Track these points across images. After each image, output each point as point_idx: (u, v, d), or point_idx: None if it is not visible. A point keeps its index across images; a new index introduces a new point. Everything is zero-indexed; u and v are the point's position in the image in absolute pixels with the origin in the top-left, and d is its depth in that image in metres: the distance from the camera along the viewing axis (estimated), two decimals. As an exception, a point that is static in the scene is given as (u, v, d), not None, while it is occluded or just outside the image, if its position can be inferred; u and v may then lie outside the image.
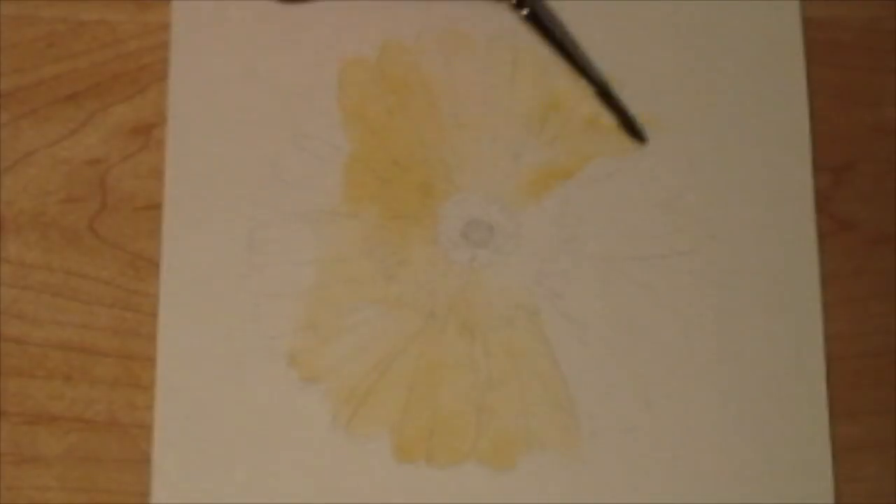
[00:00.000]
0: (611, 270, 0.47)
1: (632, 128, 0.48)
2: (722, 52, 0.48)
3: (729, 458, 0.45)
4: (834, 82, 0.48)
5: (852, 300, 0.47)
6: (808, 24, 0.49)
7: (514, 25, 0.48)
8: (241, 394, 0.45)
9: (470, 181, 0.47)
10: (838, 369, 0.46)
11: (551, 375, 0.46)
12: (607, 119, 0.48)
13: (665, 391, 0.46)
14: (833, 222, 0.47)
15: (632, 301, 0.46)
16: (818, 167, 0.48)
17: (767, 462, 0.45)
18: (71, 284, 0.46)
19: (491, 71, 0.48)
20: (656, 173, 0.47)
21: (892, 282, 0.47)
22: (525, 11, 0.47)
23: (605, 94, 0.48)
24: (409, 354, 0.46)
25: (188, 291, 0.46)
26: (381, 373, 0.46)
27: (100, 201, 0.47)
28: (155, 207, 0.47)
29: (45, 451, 0.45)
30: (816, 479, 0.45)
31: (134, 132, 0.47)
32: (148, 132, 0.48)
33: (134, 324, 0.46)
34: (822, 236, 0.47)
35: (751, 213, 0.47)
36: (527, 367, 0.46)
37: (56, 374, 0.46)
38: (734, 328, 0.46)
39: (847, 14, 0.49)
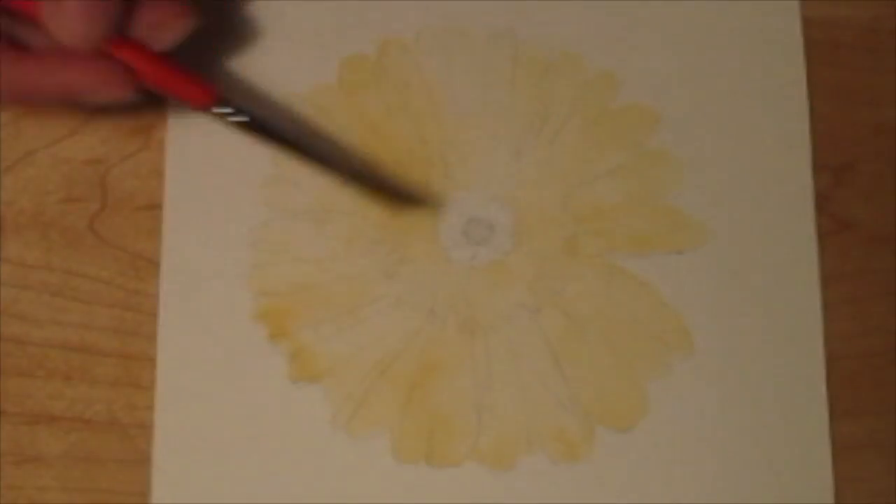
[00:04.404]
0: (611, 269, 0.47)
1: (390, 194, 0.46)
2: (722, 52, 0.48)
3: (729, 458, 0.45)
4: (834, 82, 0.48)
5: (852, 300, 0.47)
6: (808, 24, 0.48)
7: (514, 24, 0.48)
8: (241, 394, 0.45)
9: (470, 179, 0.47)
10: (838, 369, 0.46)
11: (551, 375, 0.46)
12: (608, 118, 0.48)
13: (665, 391, 0.46)
14: (833, 222, 0.47)
15: (632, 300, 0.47)
16: (818, 167, 0.48)
17: (767, 462, 0.45)
18: (71, 284, 0.46)
19: (491, 69, 0.48)
20: (656, 172, 0.47)
21: (892, 282, 0.47)
22: (245, 118, 0.44)
23: (355, 177, 0.46)
24: (409, 353, 0.46)
25: (188, 291, 0.46)
26: (380, 372, 0.46)
27: (100, 201, 0.47)
28: (155, 207, 0.47)
29: (45, 451, 0.45)
30: (816, 479, 0.45)
31: (134, 132, 0.47)
32: (148, 132, 0.48)
33: (134, 324, 0.46)
34: (822, 236, 0.47)
35: (751, 213, 0.47)
36: (527, 367, 0.46)
37: (56, 374, 0.46)
38: (734, 328, 0.46)
39: (847, 14, 0.49)
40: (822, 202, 0.48)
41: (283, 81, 0.48)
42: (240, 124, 0.44)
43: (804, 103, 0.48)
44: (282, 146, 0.45)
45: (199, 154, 0.47)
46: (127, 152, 0.48)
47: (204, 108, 0.44)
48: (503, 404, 0.46)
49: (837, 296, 0.47)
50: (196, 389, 0.45)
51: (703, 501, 0.45)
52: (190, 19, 0.43)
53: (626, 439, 0.45)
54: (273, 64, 0.48)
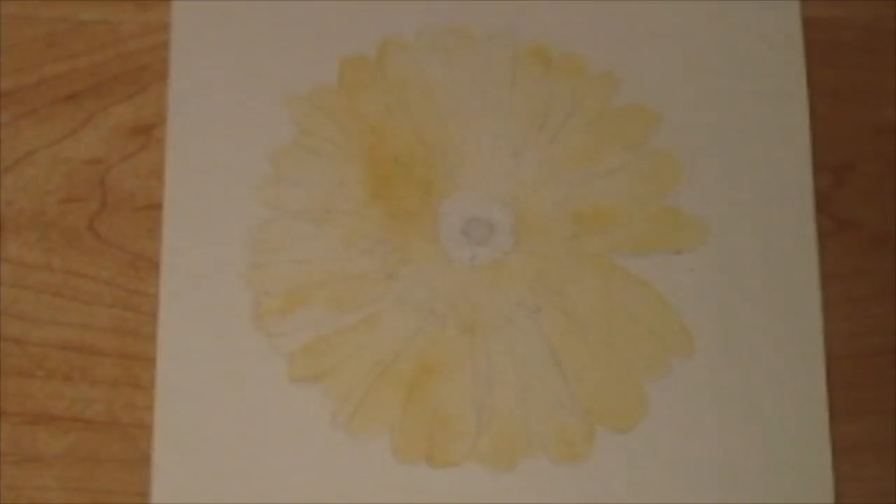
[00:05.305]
0: (611, 269, 0.47)
1: None
2: (722, 52, 0.48)
3: (729, 458, 0.45)
4: (834, 82, 0.48)
5: (852, 300, 0.47)
6: (808, 24, 0.49)
7: (514, 24, 0.48)
8: (241, 393, 0.45)
9: (470, 179, 0.47)
10: (838, 369, 0.46)
11: (551, 375, 0.46)
12: (608, 118, 0.48)
13: (665, 391, 0.46)
14: (833, 222, 0.47)
15: (632, 300, 0.46)
16: (818, 167, 0.48)
17: (767, 462, 0.45)
18: (71, 284, 0.46)
19: (491, 69, 0.48)
20: (656, 172, 0.47)
21: (892, 282, 0.47)
22: None
23: None
24: (408, 353, 0.46)
25: (188, 291, 0.46)
26: (380, 372, 0.46)
27: (100, 201, 0.47)
28: (155, 207, 0.47)
29: (45, 451, 0.45)
30: (816, 479, 0.45)
31: (134, 132, 0.47)
32: (148, 132, 0.48)
33: (134, 324, 0.46)
34: (822, 236, 0.47)
35: (751, 213, 0.47)
36: (527, 367, 0.46)
37: (56, 374, 0.46)
38: (734, 328, 0.46)
39: (847, 14, 0.49)
40: (822, 202, 0.48)
41: (283, 81, 0.48)
42: None
43: (804, 103, 0.48)
44: None
45: (199, 154, 0.47)
46: (127, 152, 0.48)
47: None
48: (503, 404, 0.46)
49: (837, 296, 0.47)
50: (196, 389, 0.45)
51: (703, 501, 0.45)
52: None
53: (626, 439, 0.45)
54: (273, 64, 0.48)
